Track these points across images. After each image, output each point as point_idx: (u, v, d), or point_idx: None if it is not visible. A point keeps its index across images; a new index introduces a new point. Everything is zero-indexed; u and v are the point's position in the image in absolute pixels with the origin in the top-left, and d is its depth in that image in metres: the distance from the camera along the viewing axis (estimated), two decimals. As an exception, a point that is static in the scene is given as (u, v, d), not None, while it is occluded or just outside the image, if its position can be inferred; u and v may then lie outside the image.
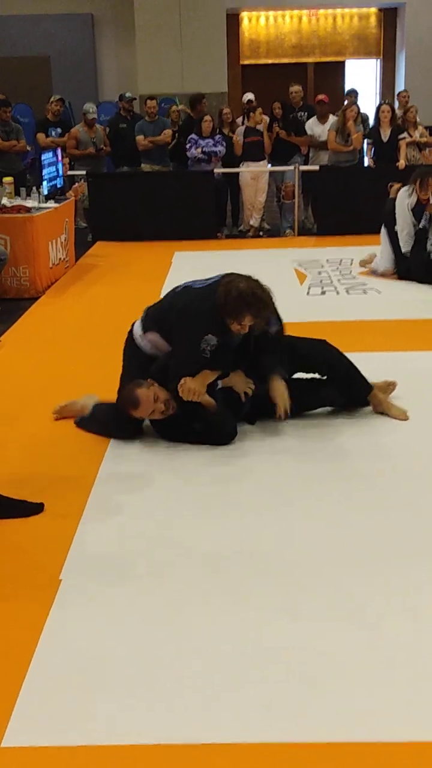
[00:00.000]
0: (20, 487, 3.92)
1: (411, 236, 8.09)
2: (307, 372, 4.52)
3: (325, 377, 4.54)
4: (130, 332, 4.49)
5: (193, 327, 4.14)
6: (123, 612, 2.89)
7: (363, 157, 11.72)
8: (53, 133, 11.76)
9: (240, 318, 4.04)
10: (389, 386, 4.67)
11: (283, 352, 4.44)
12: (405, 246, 8.12)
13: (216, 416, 4.24)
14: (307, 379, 4.57)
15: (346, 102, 11.92)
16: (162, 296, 4.66)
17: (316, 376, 4.58)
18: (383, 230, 8.35)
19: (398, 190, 8.28)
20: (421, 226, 8.03)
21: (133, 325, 4.51)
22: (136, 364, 4.42)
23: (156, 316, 4.38)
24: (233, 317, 4.05)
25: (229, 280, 4.14)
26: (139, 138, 11.24)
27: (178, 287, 4.41)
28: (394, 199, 8.24)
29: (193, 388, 4.10)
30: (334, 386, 4.55)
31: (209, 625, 2.80)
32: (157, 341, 4.36)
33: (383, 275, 8.33)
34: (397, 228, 8.10)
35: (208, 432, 4.25)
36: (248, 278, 4.14)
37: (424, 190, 7.88)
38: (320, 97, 11.68)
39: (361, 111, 11.77)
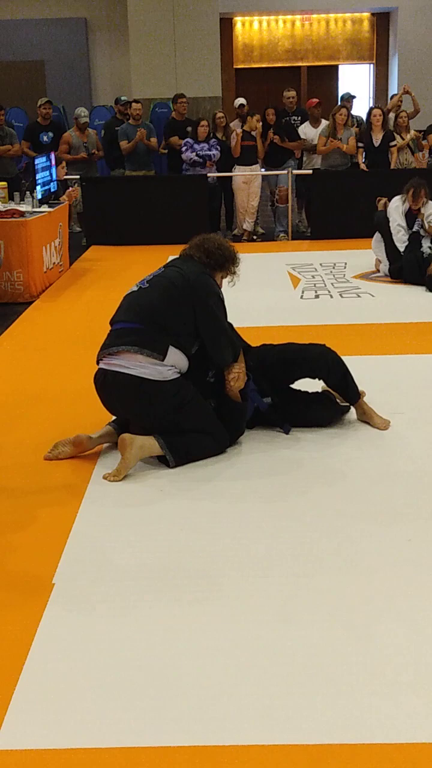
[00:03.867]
0: (13, 492, 3.93)
1: (405, 237, 8.32)
2: (305, 374, 4.53)
3: (320, 380, 4.56)
4: (131, 377, 4.04)
5: (215, 293, 4.27)
6: (116, 615, 2.90)
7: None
8: (45, 137, 11.75)
9: (229, 268, 4.39)
10: (361, 395, 4.66)
11: (283, 354, 4.52)
12: (400, 244, 8.33)
13: (237, 410, 4.30)
14: (300, 400, 4.58)
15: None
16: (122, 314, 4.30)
17: (316, 381, 4.60)
18: (377, 237, 8.55)
19: (385, 204, 8.58)
20: (414, 230, 8.24)
21: (120, 374, 4.07)
22: (174, 398, 4.08)
23: (156, 328, 4.11)
24: (224, 269, 4.38)
25: (202, 240, 4.44)
26: (123, 142, 11.24)
27: (132, 292, 4.35)
28: (383, 212, 8.51)
29: (244, 373, 4.24)
30: (327, 404, 4.59)
31: (204, 629, 2.81)
32: (177, 357, 4.14)
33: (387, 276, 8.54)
34: (391, 229, 8.27)
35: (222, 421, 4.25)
36: (215, 238, 4.49)
37: (416, 201, 8.26)
38: (311, 101, 11.74)
39: (355, 115, 11.80)
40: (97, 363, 4.27)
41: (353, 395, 4.54)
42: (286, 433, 4.42)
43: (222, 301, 4.32)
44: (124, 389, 4.10)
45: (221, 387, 4.31)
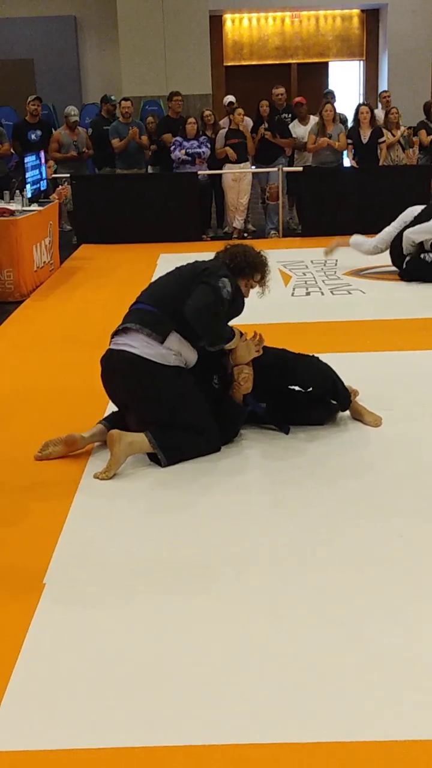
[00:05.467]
0: (4, 489, 3.92)
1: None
2: (293, 385, 4.54)
3: (310, 390, 4.57)
4: (135, 356, 4.08)
5: (213, 273, 4.25)
6: (108, 616, 2.89)
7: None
8: (33, 135, 11.71)
9: (252, 275, 4.38)
10: (354, 394, 4.66)
11: (275, 364, 4.49)
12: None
13: (237, 409, 4.32)
14: (296, 400, 4.58)
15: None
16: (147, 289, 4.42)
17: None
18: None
19: None
20: None
21: (126, 352, 4.11)
22: (174, 382, 4.10)
23: (166, 312, 4.14)
24: (245, 275, 4.37)
25: (232, 246, 4.47)
26: (114, 140, 11.22)
27: (156, 281, 4.43)
28: None
29: (251, 375, 4.25)
30: (320, 405, 4.59)
31: (197, 626, 2.80)
32: (179, 344, 4.17)
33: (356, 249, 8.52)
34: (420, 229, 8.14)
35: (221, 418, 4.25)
36: (246, 246, 4.50)
37: None
38: (297, 99, 11.74)
39: (339, 112, 11.81)
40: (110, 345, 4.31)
41: (344, 401, 4.55)
42: (286, 432, 4.41)
43: (221, 298, 4.18)
44: (127, 367, 4.11)
45: (224, 392, 4.31)
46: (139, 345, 4.10)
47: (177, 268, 4.43)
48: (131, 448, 4.05)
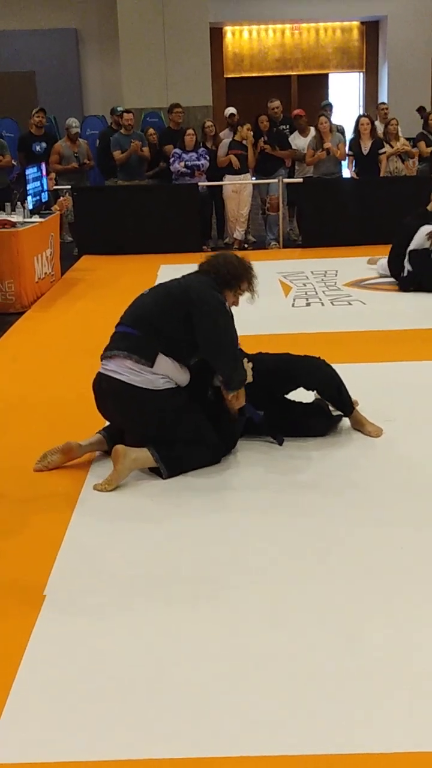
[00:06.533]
0: (4, 499, 3.93)
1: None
2: (299, 386, 4.53)
3: (314, 391, 4.57)
4: (122, 384, 4.06)
5: (215, 300, 4.19)
6: (108, 627, 2.89)
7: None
8: (38, 147, 11.76)
9: (238, 285, 4.32)
10: (355, 404, 4.66)
11: (277, 365, 4.50)
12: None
13: (234, 421, 4.30)
14: (295, 410, 4.57)
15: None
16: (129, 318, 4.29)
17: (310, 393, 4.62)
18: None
19: None
20: None
21: (113, 379, 4.09)
22: (166, 404, 4.08)
23: (150, 333, 4.11)
24: (232, 286, 4.31)
25: (213, 256, 4.43)
26: (116, 152, 11.26)
27: (140, 295, 4.38)
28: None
29: (243, 393, 4.23)
30: (321, 415, 4.59)
31: (197, 637, 2.80)
32: (168, 366, 4.14)
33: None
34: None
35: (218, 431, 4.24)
36: (226, 254, 4.47)
37: None
38: (296, 111, 11.78)
39: (336, 123, 11.85)
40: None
41: (347, 408, 4.55)
42: (280, 444, 4.42)
43: (227, 314, 4.21)
44: (116, 395, 4.12)
45: (221, 404, 4.31)
46: (127, 372, 4.07)
47: (160, 285, 4.39)
48: (135, 464, 4.06)
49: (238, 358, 4.23)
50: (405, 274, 8.19)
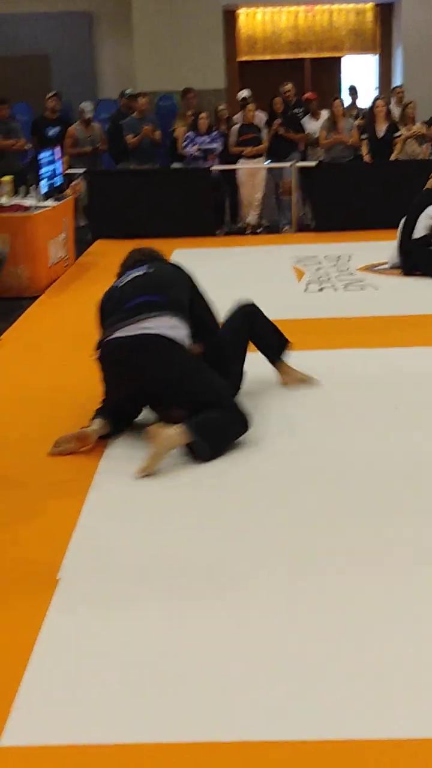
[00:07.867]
0: (18, 486, 3.96)
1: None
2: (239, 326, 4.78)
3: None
4: (159, 336, 4.13)
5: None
6: (121, 611, 2.92)
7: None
8: (51, 131, 11.75)
9: None
10: (308, 379, 4.79)
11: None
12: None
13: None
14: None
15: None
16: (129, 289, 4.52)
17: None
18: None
19: None
20: None
21: (156, 336, 4.15)
22: (199, 363, 4.29)
23: (174, 298, 4.36)
24: None
25: (135, 252, 5.02)
26: (129, 136, 11.23)
27: (131, 279, 4.59)
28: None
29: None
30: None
31: (208, 625, 2.82)
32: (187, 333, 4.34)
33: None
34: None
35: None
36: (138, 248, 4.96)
37: None
38: (307, 95, 11.72)
39: (361, 107, 11.79)
40: (105, 341, 4.29)
41: (283, 342, 4.78)
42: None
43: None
44: (157, 353, 4.12)
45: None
46: (169, 330, 4.16)
47: (149, 269, 4.57)
48: (171, 442, 3.99)
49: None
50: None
